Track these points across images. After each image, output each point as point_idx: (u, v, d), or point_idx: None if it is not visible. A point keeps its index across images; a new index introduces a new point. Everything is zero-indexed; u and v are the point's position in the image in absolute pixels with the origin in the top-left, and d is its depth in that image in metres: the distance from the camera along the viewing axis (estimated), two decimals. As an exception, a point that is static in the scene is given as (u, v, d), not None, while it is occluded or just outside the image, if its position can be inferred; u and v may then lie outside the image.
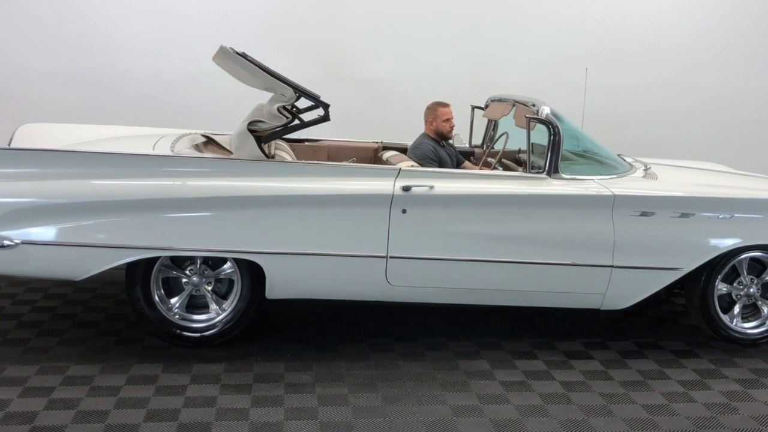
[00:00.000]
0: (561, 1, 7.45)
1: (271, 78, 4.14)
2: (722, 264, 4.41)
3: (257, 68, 4.13)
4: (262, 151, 4.15)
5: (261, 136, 4.21)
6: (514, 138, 5.03)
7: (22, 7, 6.77)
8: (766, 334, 4.56)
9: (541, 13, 7.44)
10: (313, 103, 4.24)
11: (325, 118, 4.21)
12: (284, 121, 4.18)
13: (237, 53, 4.16)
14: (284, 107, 4.17)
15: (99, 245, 3.89)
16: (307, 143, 5.51)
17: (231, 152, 4.76)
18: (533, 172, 4.36)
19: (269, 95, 4.34)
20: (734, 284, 4.51)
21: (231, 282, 4.22)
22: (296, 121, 4.22)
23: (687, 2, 7.62)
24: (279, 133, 4.27)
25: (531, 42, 7.45)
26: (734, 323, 4.53)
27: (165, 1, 6.95)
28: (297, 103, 4.27)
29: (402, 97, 7.05)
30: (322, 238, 4.04)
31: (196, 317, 4.22)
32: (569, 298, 4.36)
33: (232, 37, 6.96)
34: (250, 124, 4.19)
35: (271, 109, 4.22)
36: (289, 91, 4.15)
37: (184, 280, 4.19)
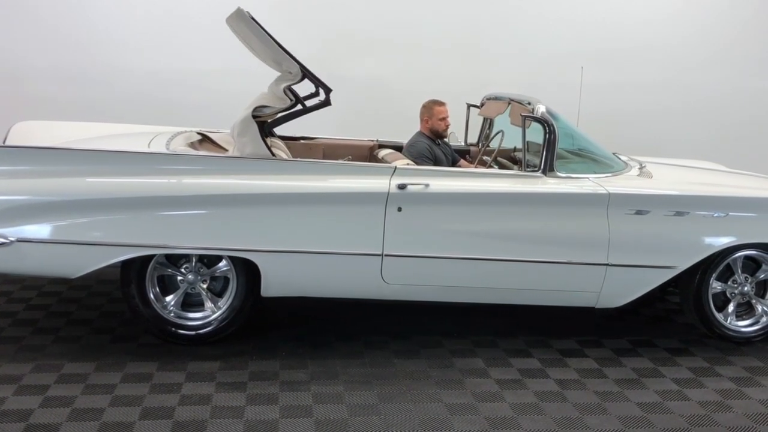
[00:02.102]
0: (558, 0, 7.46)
1: (281, 51, 4.13)
2: (717, 262, 4.42)
3: (269, 37, 4.12)
4: (264, 139, 4.15)
5: (263, 122, 4.20)
6: (509, 136, 5.04)
7: (18, 4, 6.75)
8: (760, 333, 4.57)
9: (537, 12, 7.44)
10: (315, 89, 4.24)
11: (326, 102, 4.22)
12: (288, 103, 4.18)
13: (252, 18, 4.14)
14: (290, 88, 4.17)
15: (94, 243, 3.88)
16: (302, 141, 5.50)
17: (226, 150, 4.77)
18: (529, 171, 4.36)
19: (268, 90, 4.34)
20: (729, 283, 4.53)
21: (226, 280, 4.22)
22: (299, 106, 4.22)
23: (684, 1, 7.63)
24: (281, 120, 4.27)
25: (527, 40, 7.45)
26: (728, 321, 4.54)
27: (161, -1, 6.96)
28: (299, 92, 4.26)
29: (397, 95, 7.05)
30: (318, 236, 4.04)
31: (191, 315, 4.22)
32: (564, 297, 4.37)
33: (227, 35, 6.98)
34: (255, 110, 4.18)
35: (276, 89, 4.22)
36: (296, 68, 4.15)
37: (179, 278, 4.19)
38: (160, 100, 6.91)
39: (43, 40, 6.82)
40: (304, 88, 4.38)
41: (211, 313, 4.21)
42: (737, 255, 4.45)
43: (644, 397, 3.84)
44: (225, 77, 6.94)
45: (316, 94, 4.36)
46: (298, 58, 4.19)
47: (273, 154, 4.21)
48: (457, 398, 3.74)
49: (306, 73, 4.17)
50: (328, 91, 4.19)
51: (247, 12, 4.13)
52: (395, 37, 7.27)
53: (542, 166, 4.32)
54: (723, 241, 4.33)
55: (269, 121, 4.36)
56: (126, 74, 6.95)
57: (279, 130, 5.22)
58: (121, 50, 6.93)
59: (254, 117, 4.15)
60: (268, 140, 4.78)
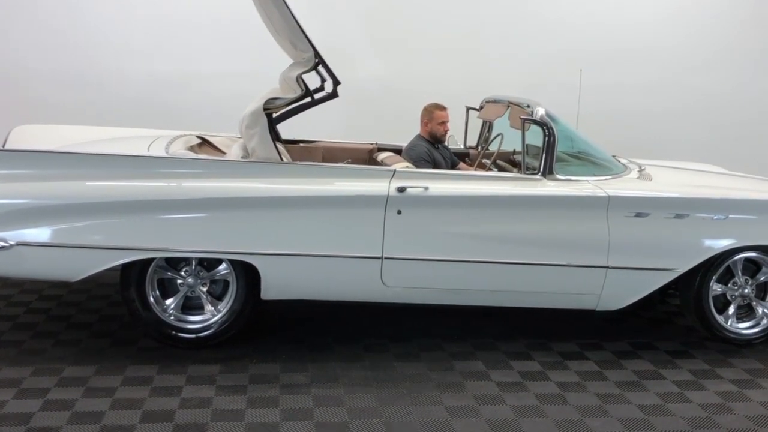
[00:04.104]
0: (557, 1, 7.47)
1: (299, 31, 4.12)
2: (717, 265, 4.41)
3: (291, 15, 4.10)
4: (272, 133, 4.13)
5: (271, 113, 4.19)
6: (509, 139, 5.04)
7: (16, 7, 6.76)
8: (760, 335, 4.57)
9: (537, 14, 7.46)
10: (320, 83, 4.27)
11: (333, 94, 4.22)
12: (299, 93, 4.17)
13: None
14: (302, 77, 4.16)
15: (94, 246, 3.88)
16: (301, 144, 5.50)
17: (225, 153, 4.77)
18: (528, 173, 4.37)
19: (280, 78, 4.31)
20: (729, 285, 4.52)
21: (226, 283, 4.22)
22: (307, 99, 4.22)
23: (682, 2, 7.65)
24: (288, 114, 4.27)
25: (526, 42, 7.47)
26: (729, 324, 4.54)
27: (160, 1, 6.95)
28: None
29: (397, 98, 7.05)
30: (318, 239, 4.04)
31: (191, 318, 4.22)
32: (564, 299, 4.37)
33: (226, 38, 7.01)
34: (266, 102, 4.17)
35: (289, 77, 4.22)
36: (310, 52, 4.14)
37: (179, 281, 4.18)
38: (159, 103, 6.92)
39: (42, 43, 6.83)
40: (311, 81, 4.37)
41: (211, 316, 4.21)
42: (737, 257, 4.45)
43: (645, 399, 3.84)
44: (224, 80, 6.95)
45: (321, 89, 4.36)
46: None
47: (278, 149, 4.20)
48: (457, 401, 3.73)
49: (320, 60, 4.16)
50: (336, 83, 4.18)
51: None
52: (395, 39, 7.28)
53: (542, 169, 4.32)
54: (723, 244, 4.33)
55: (274, 115, 4.35)
56: (125, 77, 6.96)
57: (279, 130, 5.23)
58: (120, 53, 6.94)
59: (265, 110, 4.15)
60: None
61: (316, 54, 4.16)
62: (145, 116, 6.62)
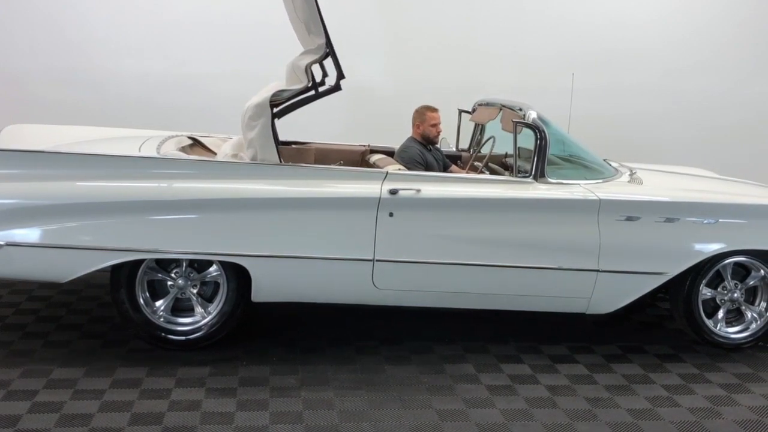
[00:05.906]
0: (549, 5, 7.48)
1: (318, 16, 4.08)
2: (707, 269, 4.43)
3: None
4: (273, 128, 4.13)
5: (276, 105, 4.18)
6: (500, 142, 5.05)
7: (7, 6, 6.73)
8: (749, 339, 4.59)
9: (529, 17, 7.47)
10: (321, 78, 4.27)
11: (336, 88, 4.21)
12: (305, 83, 4.16)
13: None
14: (311, 68, 4.16)
15: (84, 247, 3.87)
16: (294, 146, 5.49)
17: (216, 154, 4.76)
18: (520, 176, 4.38)
19: (288, 67, 4.32)
20: (718, 289, 4.54)
21: (217, 285, 4.21)
22: (311, 92, 4.21)
23: (674, 6, 7.67)
24: (291, 107, 4.26)
25: (519, 45, 7.48)
26: (718, 328, 4.56)
27: (153, 2, 6.93)
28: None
29: (390, 100, 7.05)
30: (309, 241, 4.04)
31: (181, 320, 4.20)
32: (555, 302, 4.37)
33: (220, 39, 7.00)
34: (273, 95, 4.14)
35: (298, 64, 4.20)
36: (322, 40, 4.12)
37: (169, 282, 4.17)
38: (151, 103, 6.90)
39: (34, 43, 6.80)
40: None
41: (201, 318, 4.19)
42: (727, 261, 4.46)
43: (634, 403, 3.85)
44: (220, 81, 6.94)
45: (323, 83, 4.35)
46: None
47: (277, 144, 4.19)
48: (447, 404, 3.73)
49: (330, 49, 4.14)
50: (340, 76, 4.17)
51: None
52: (388, 42, 7.28)
53: (533, 172, 4.33)
54: (713, 248, 4.35)
55: (275, 110, 4.34)
56: (117, 78, 6.95)
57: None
58: (112, 53, 6.92)
59: (271, 102, 4.12)
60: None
61: (328, 42, 4.13)
62: (136, 116, 6.61)
